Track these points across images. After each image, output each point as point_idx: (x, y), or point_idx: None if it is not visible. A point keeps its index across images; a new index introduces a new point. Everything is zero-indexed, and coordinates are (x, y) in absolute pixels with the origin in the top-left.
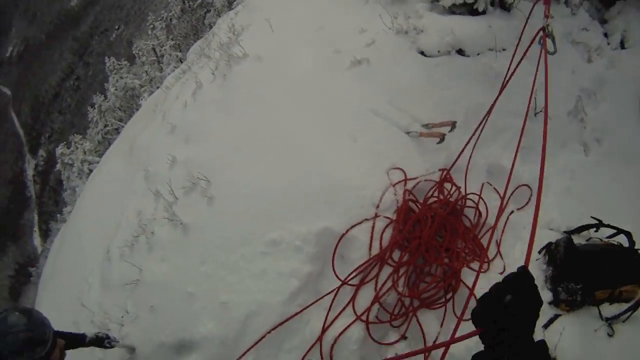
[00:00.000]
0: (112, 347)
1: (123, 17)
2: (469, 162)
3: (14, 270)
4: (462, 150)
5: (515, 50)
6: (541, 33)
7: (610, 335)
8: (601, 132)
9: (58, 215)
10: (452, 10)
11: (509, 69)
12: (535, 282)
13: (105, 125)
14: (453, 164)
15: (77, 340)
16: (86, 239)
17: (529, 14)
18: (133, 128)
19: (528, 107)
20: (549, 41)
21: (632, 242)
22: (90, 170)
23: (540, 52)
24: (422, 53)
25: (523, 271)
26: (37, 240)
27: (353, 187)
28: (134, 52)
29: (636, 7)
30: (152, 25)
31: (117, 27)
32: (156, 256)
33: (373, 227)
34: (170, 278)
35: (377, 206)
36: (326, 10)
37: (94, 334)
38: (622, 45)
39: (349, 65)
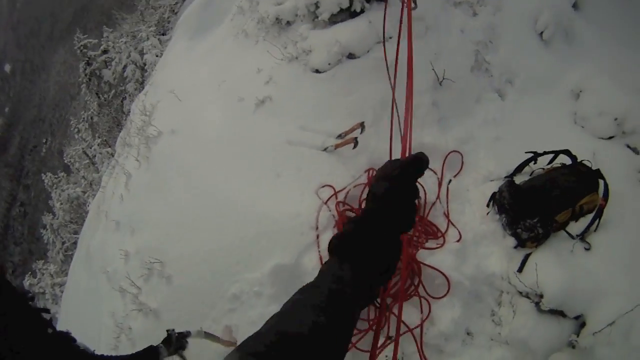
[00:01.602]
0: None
1: (47, 129)
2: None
3: None
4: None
5: (399, 34)
6: None
7: (587, 249)
8: (509, 73)
9: None
10: (333, 20)
11: (397, 53)
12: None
13: (63, 243)
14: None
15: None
16: None
17: None
18: (86, 236)
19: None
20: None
21: (573, 157)
22: (62, 292)
23: (402, 8)
24: (316, 71)
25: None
26: None
27: (288, 218)
28: (66, 161)
29: None
30: (76, 129)
31: (44, 141)
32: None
33: (319, 247)
34: None
35: (316, 227)
36: (223, 64)
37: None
38: None
39: (254, 107)
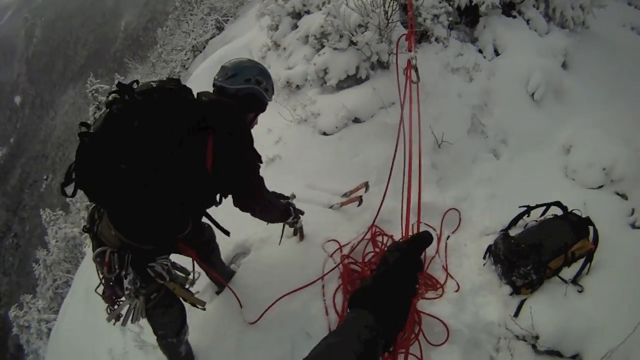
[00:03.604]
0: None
1: (49, 166)
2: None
3: None
4: (382, 203)
5: (403, 100)
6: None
7: (580, 292)
8: (503, 134)
9: None
10: (340, 86)
11: (401, 118)
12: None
13: (55, 280)
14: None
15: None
16: None
17: (397, 61)
18: (84, 275)
19: (419, 142)
20: (413, 72)
21: (564, 208)
22: (49, 329)
23: (406, 82)
24: (324, 133)
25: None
26: None
27: (296, 269)
28: (67, 200)
29: (497, 16)
30: None
31: (45, 177)
32: None
33: (324, 297)
34: None
35: (322, 278)
36: None
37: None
38: (497, 53)
39: (264, 166)
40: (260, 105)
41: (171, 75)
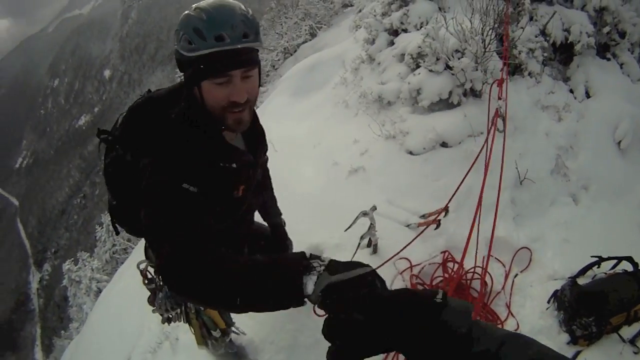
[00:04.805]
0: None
1: None
2: (468, 239)
3: None
4: (472, 230)
5: (488, 131)
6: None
7: (635, 353)
8: (586, 179)
9: (62, 332)
10: (432, 108)
11: (484, 148)
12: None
13: (114, 245)
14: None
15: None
16: (104, 352)
17: (489, 98)
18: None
19: (500, 179)
20: (499, 120)
21: (635, 264)
22: (99, 289)
23: (489, 128)
24: (410, 152)
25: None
26: (38, 355)
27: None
28: None
29: (591, 56)
30: None
31: None
32: (181, 358)
33: None
34: None
35: None
36: (321, 127)
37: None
38: (588, 95)
39: (347, 174)
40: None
41: (261, 73)
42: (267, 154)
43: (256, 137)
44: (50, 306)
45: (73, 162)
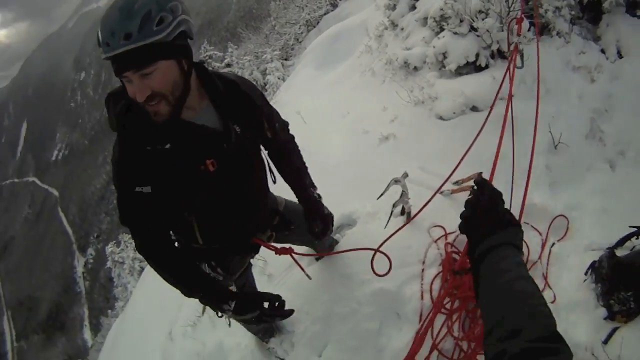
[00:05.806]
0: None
1: None
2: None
3: None
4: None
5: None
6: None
7: None
8: (622, 144)
9: (109, 311)
10: (459, 72)
11: (508, 109)
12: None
13: None
14: None
15: None
16: (146, 326)
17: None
18: None
19: (533, 143)
20: (518, 57)
21: None
22: (141, 268)
23: (509, 65)
24: (440, 118)
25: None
26: (87, 334)
27: (399, 248)
28: None
29: (621, 14)
30: None
31: None
32: (220, 332)
33: (422, 280)
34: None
35: (423, 262)
36: (349, 97)
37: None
38: (620, 55)
39: (377, 142)
40: None
41: (285, 47)
42: (292, 127)
43: (234, 108)
44: (96, 288)
45: (108, 149)
